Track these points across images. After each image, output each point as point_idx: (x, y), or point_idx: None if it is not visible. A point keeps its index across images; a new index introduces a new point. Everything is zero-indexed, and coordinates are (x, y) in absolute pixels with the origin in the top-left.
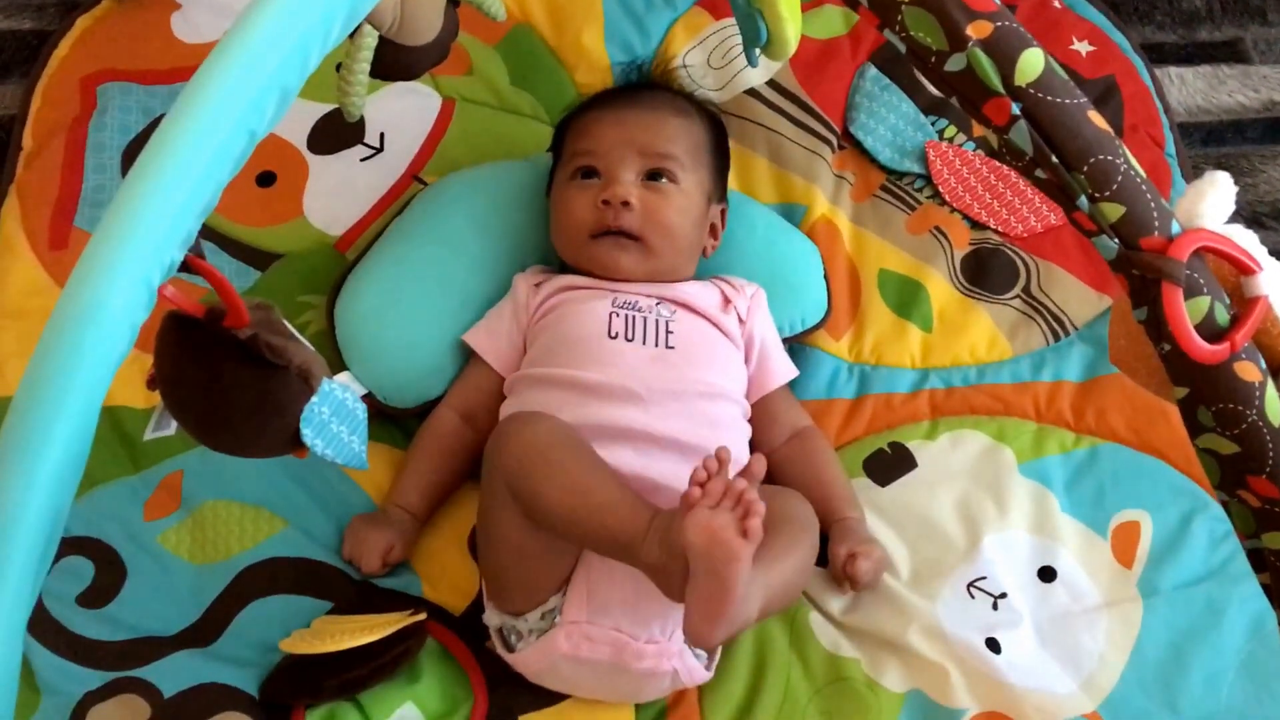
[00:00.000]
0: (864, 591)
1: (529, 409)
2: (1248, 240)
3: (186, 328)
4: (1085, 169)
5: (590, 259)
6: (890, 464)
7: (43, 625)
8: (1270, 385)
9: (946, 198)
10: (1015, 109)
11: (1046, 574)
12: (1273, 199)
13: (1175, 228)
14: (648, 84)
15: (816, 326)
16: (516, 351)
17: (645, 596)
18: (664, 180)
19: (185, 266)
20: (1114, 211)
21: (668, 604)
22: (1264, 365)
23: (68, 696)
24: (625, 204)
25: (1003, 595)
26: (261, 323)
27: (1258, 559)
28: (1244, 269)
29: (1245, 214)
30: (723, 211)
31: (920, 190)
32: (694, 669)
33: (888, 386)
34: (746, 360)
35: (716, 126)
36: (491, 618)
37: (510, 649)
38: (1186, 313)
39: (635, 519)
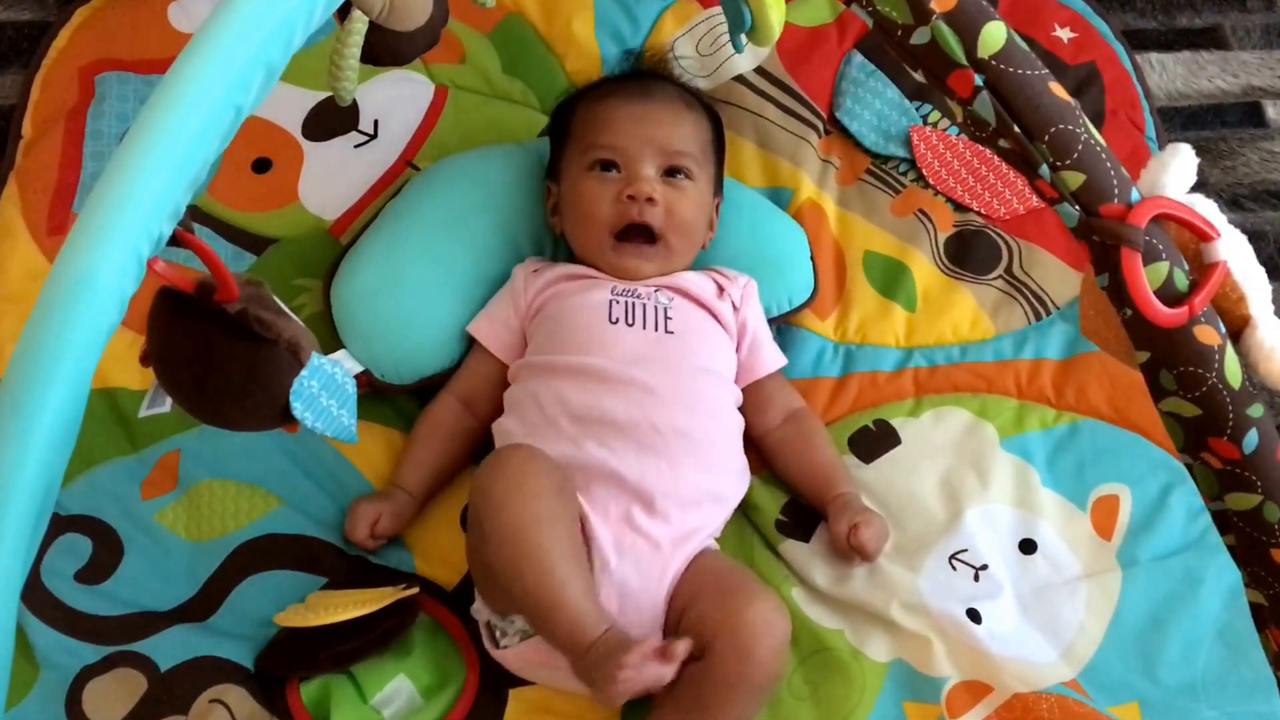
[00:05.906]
0: (865, 562)
1: (532, 400)
2: (1207, 209)
3: (177, 302)
4: (1046, 138)
5: (611, 264)
6: (875, 440)
7: (41, 601)
8: (1229, 348)
9: (930, 181)
10: (978, 80)
11: (1027, 546)
12: (1250, 181)
13: (1135, 195)
14: (652, 74)
15: (804, 305)
16: (517, 338)
17: (622, 621)
18: (681, 177)
19: (175, 241)
20: (1074, 179)
21: (641, 629)
22: (1223, 329)
23: (66, 670)
24: (650, 200)
25: (984, 567)
26: (251, 297)
27: (1222, 520)
28: (1203, 235)
29: (1225, 196)
30: (717, 204)
31: (905, 174)
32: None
33: (873, 365)
34: (738, 348)
35: (717, 121)
36: (480, 611)
37: (496, 643)
38: (1145, 277)
39: (588, 636)
